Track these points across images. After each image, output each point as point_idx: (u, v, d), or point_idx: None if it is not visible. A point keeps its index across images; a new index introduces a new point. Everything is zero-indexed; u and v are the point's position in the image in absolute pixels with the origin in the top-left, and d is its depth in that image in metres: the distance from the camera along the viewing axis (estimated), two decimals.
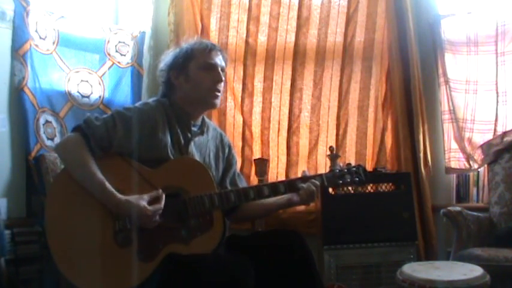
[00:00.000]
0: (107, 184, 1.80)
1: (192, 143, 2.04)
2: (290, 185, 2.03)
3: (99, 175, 1.81)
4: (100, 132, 1.86)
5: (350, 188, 2.95)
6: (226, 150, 2.20)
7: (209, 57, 2.04)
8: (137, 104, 2.04)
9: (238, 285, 1.72)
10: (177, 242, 1.85)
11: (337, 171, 2.10)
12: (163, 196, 1.84)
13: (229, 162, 2.20)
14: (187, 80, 2.02)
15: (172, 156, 1.96)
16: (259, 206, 2.12)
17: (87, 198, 1.81)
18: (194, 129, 2.07)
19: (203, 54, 2.03)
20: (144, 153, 1.91)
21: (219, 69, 2.05)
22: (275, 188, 2.01)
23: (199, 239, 1.88)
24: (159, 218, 1.81)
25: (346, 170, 2.10)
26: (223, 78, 2.06)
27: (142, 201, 1.79)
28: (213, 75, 2.03)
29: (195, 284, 1.69)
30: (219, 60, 2.06)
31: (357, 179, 2.10)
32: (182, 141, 2.01)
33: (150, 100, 2.06)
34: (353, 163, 3.30)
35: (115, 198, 1.79)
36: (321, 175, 2.06)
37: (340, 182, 2.09)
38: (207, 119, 2.17)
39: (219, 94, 2.05)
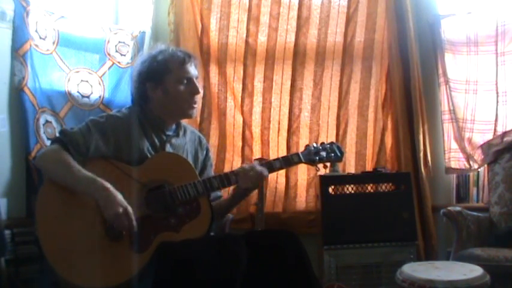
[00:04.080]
0: (97, 178, 1.86)
1: (168, 145, 2.12)
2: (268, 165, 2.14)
3: (82, 170, 1.87)
4: (76, 138, 1.94)
5: (350, 188, 2.96)
6: (204, 153, 2.29)
7: (185, 70, 2.11)
8: (112, 112, 2.14)
9: (233, 260, 1.77)
10: (168, 231, 1.92)
11: (312, 148, 2.21)
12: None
13: (204, 164, 2.28)
14: (166, 93, 2.10)
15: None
16: (220, 203, 2.23)
17: (75, 199, 1.87)
18: (169, 132, 2.15)
19: (179, 68, 2.10)
20: (123, 156, 1.99)
21: (195, 80, 2.13)
22: None
23: (189, 225, 1.95)
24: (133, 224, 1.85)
25: (320, 147, 2.21)
26: (200, 90, 2.16)
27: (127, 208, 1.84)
28: (191, 88, 2.11)
29: (190, 266, 1.73)
30: (193, 70, 2.14)
31: (332, 154, 2.20)
32: (158, 144, 2.09)
33: (123, 108, 2.15)
34: (353, 163, 3.33)
35: (107, 190, 1.84)
36: (297, 153, 2.19)
37: (317, 158, 2.19)
38: (183, 123, 2.26)
39: (196, 105, 2.15)
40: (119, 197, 1.85)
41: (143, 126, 2.08)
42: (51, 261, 1.79)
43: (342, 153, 2.23)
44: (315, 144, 2.22)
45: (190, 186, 1.98)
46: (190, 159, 2.17)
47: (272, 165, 2.14)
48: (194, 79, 2.12)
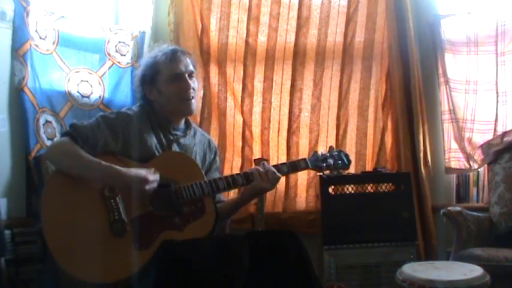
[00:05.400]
0: (103, 162, 1.89)
1: (175, 144, 2.12)
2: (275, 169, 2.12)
3: (92, 157, 1.90)
4: (86, 132, 1.96)
5: (350, 188, 2.96)
6: (212, 156, 2.28)
7: (173, 67, 2.09)
8: (122, 109, 2.13)
9: (235, 260, 1.77)
10: (172, 229, 1.92)
11: (320, 154, 2.20)
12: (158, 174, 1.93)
13: (210, 167, 2.27)
14: (160, 94, 2.11)
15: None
16: (224, 205, 2.22)
17: (81, 193, 1.89)
18: (177, 132, 2.15)
19: (167, 66, 2.09)
20: (131, 153, 1.99)
21: (186, 75, 2.11)
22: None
23: (193, 225, 1.96)
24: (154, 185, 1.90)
25: (328, 154, 2.21)
26: (192, 84, 2.12)
27: (142, 170, 1.91)
28: (181, 84, 2.10)
29: (193, 266, 1.73)
30: (183, 66, 2.11)
31: (340, 162, 2.20)
32: (165, 143, 2.09)
33: (134, 106, 2.16)
34: (353, 163, 3.31)
35: (114, 169, 1.88)
36: (304, 159, 2.18)
37: (324, 165, 2.18)
38: (194, 125, 2.26)
39: (191, 101, 2.12)
40: (127, 170, 1.89)
41: (152, 124, 2.09)
42: (55, 254, 1.80)
43: (349, 162, 2.23)
44: (322, 151, 2.22)
45: (196, 186, 1.99)
46: (198, 160, 2.17)
47: (279, 170, 2.13)
48: (185, 75, 2.10)
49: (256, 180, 2.06)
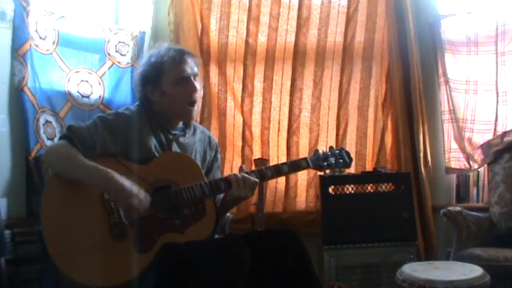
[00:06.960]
0: (100, 166, 1.85)
1: (175, 144, 2.10)
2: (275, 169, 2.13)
3: (89, 162, 1.87)
4: (83, 134, 1.93)
5: (350, 188, 2.96)
6: (213, 154, 2.26)
7: (180, 70, 2.06)
8: (120, 110, 2.10)
9: (236, 262, 1.76)
10: (173, 232, 1.91)
11: (321, 153, 2.19)
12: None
13: (211, 166, 2.25)
14: (163, 95, 2.07)
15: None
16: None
17: (81, 195, 1.87)
18: (175, 132, 2.13)
19: (173, 68, 2.06)
20: (131, 154, 1.97)
21: (192, 78, 2.09)
22: (262, 173, 2.09)
23: (194, 227, 1.94)
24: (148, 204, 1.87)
25: (329, 153, 2.19)
26: (198, 87, 2.10)
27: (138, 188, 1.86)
28: (187, 87, 2.07)
29: (193, 268, 1.72)
30: (190, 69, 2.09)
31: (341, 160, 2.19)
32: (165, 143, 2.07)
33: (132, 106, 2.13)
34: (353, 163, 3.31)
35: (111, 175, 1.83)
36: (305, 158, 2.17)
37: (325, 164, 2.17)
38: (193, 122, 2.22)
39: (194, 106, 2.10)
40: (126, 185, 1.83)
41: (151, 124, 2.06)
42: (54, 258, 1.78)
43: (351, 160, 2.23)
44: (323, 149, 2.21)
45: (196, 187, 1.97)
46: (198, 159, 2.16)
47: (280, 170, 2.12)
48: (191, 77, 2.08)
49: (233, 187, 2.01)
